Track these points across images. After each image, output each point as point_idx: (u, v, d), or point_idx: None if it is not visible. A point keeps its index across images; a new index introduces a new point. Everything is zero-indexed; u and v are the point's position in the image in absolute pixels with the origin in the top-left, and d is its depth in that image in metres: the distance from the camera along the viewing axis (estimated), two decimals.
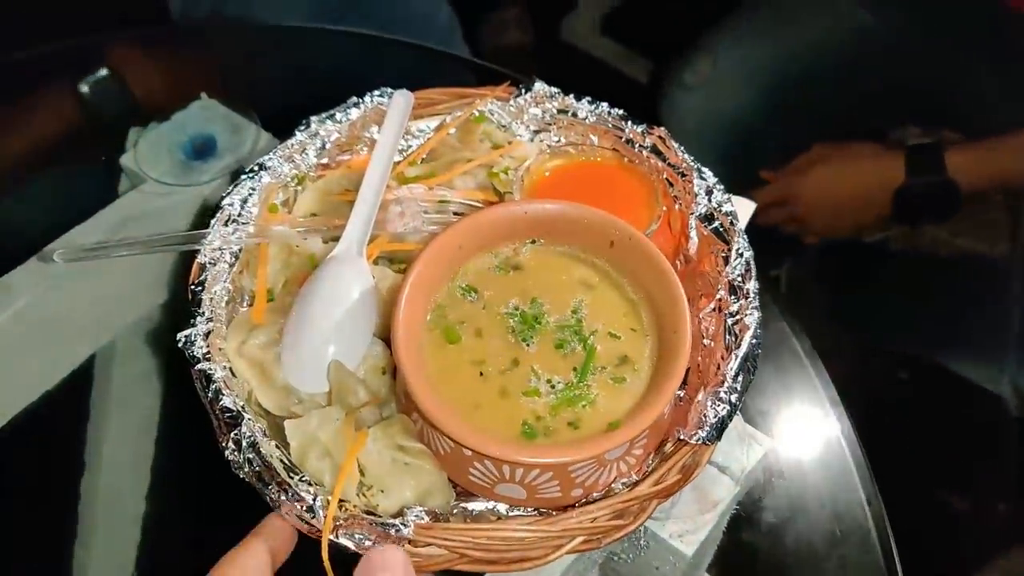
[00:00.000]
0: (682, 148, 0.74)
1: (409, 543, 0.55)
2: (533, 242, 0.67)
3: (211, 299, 0.66)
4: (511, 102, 0.80)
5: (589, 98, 0.78)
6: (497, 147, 0.78)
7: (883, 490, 0.77)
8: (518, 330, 0.62)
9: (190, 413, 0.60)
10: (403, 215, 0.70)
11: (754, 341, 0.64)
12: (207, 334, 0.64)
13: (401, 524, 0.55)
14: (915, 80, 1.23)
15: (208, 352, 0.63)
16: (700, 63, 1.32)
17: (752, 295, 0.66)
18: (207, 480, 0.72)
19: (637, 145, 0.75)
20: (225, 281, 0.68)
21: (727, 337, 0.64)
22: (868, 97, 1.25)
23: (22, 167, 1.03)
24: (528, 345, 0.62)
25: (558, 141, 0.79)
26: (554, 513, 0.59)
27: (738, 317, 0.65)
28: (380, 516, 0.56)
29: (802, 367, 0.84)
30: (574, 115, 0.78)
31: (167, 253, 0.87)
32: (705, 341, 0.67)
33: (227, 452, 0.58)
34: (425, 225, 0.71)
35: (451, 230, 0.63)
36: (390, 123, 0.76)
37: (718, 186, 0.72)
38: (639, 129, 0.75)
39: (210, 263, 0.68)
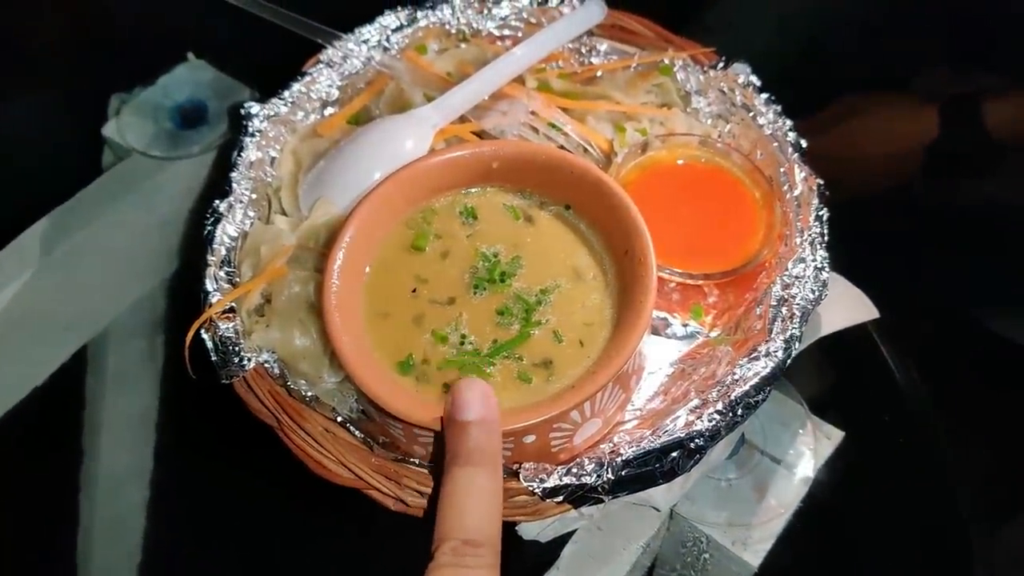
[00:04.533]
0: (822, 210, 0.67)
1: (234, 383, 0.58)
2: (567, 206, 0.62)
3: (302, 93, 0.74)
4: (704, 71, 0.77)
5: (779, 107, 0.74)
6: (663, 106, 0.76)
7: (969, 482, 0.69)
8: (479, 275, 0.60)
9: (190, 395, 0.61)
10: (505, 116, 0.70)
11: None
12: (273, 116, 0.71)
13: (247, 360, 0.58)
14: (951, 23, 1.13)
15: (263, 129, 0.70)
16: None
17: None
18: (210, 462, 0.70)
19: (787, 184, 0.70)
20: (329, 86, 0.75)
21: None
22: (900, 43, 1.15)
23: None
24: (475, 294, 0.59)
25: (726, 135, 0.76)
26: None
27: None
28: (247, 345, 0.59)
29: (873, 349, 0.75)
30: (754, 118, 0.74)
31: (162, 234, 0.85)
32: None
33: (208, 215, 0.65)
34: (517, 132, 0.70)
35: (475, 147, 0.63)
36: (564, 24, 0.76)
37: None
38: (799, 174, 0.70)
39: (333, 63, 0.75)
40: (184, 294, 0.82)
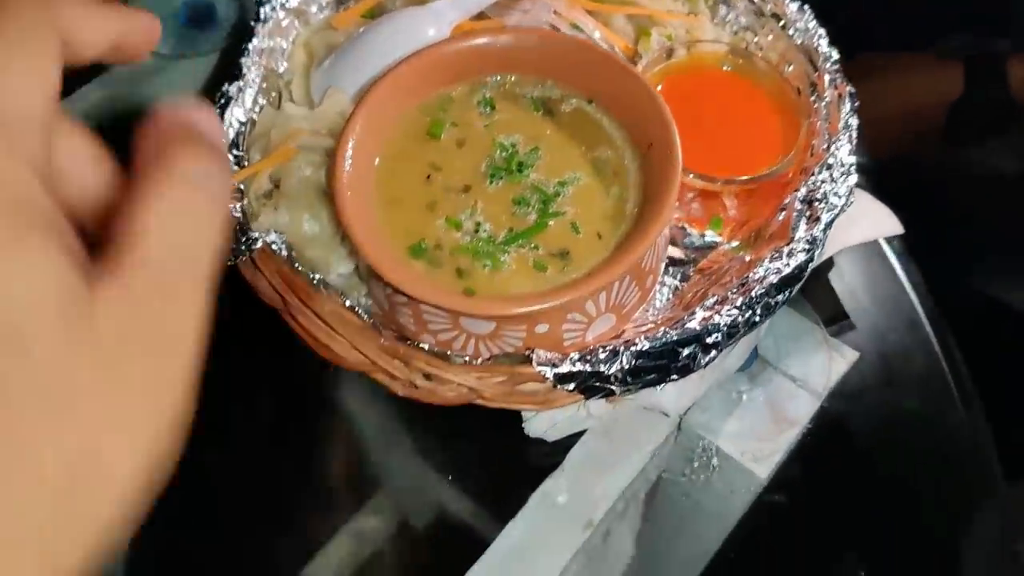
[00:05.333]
0: (852, 117, 0.66)
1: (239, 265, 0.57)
2: (589, 100, 0.61)
3: None
4: None
5: (811, 16, 0.71)
6: (691, 14, 0.73)
7: (988, 409, 0.68)
8: (496, 164, 0.58)
9: None
10: (526, 14, 0.67)
11: None
12: (286, 5, 0.68)
13: (255, 239, 0.56)
14: None
15: (276, 19, 0.67)
16: None
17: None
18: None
19: (815, 95, 0.68)
20: None
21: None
22: (921, 5, 1.13)
23: None
24: (490, 183, 0.57)
25: (753, 46, 0.73)
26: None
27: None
28: (254, 226, 0.57)
29: (891, 272, 0.74)
30: (784, 28, 0.71)
31: None
32: None
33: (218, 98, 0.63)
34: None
35: (495, 35, 0.61)
36: None
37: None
38: (828, 77, 0.68)
39: None
40: None
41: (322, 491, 0.63)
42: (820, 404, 0.65)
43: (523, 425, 0.61)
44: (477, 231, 0.55)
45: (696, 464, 0.63)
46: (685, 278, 0.64)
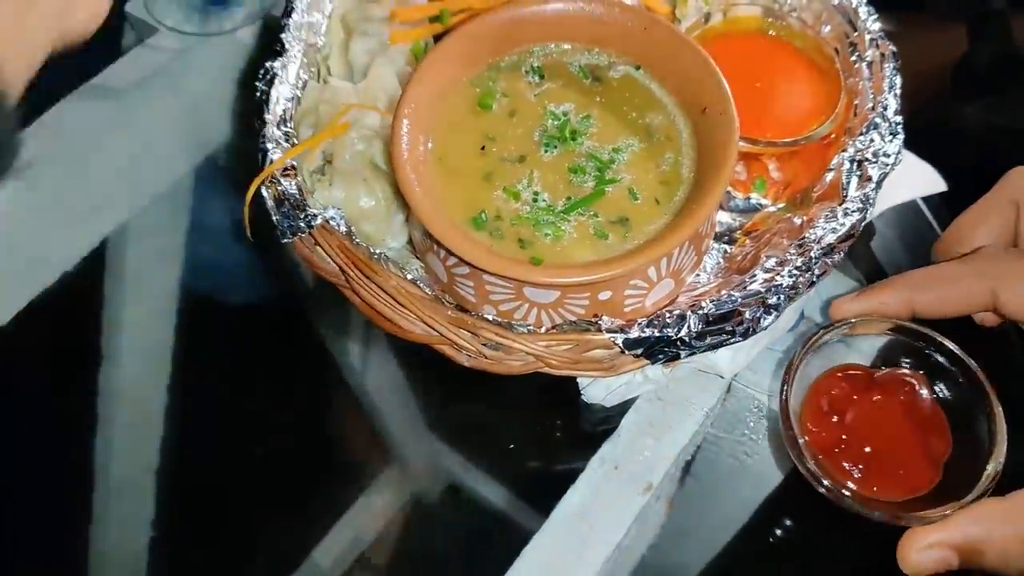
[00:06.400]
0: (895, 76, 0.66)
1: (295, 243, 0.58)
2: (637, 66, 0.62)
3: None
4: None
5: None
6: None
7: None
8: (549, 133, 0.59)
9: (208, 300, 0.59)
10: None
11: None
12: None
13: (314, 215, 0.56)
14: None
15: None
16: None
17: None
18: (230, 367, 0.68)
19: (856, 55, 0.68)
20: None
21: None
22: None
23: None
24: (545, 152, 0.58)
25: (787, 7, 0.73)
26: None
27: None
28: (309, 205, 0.57)
29: (928, 227, 0.75)
30: None
31: (192, 118, 0.82)
32: None
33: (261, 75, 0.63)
34: None
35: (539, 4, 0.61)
36: None
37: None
38: (869, 37, 0.68)
39: None
40: (218, 178, 0.81)
41: (378, 462, 0.64)
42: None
43: (581, 392, 0.62)
44: (536, 201, 0.56)
45: (749, 424, 0.64)
46: (731, 241, 0.65)
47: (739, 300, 0.54)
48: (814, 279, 0.56)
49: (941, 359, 0.61)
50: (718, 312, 0.53)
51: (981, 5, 1.08)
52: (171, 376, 0.68)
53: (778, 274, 0.55)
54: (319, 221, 0.56)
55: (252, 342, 0.68)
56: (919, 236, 0.74)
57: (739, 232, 0.66)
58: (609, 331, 0.52)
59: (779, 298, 0.54)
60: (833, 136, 0.67)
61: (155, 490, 0.62)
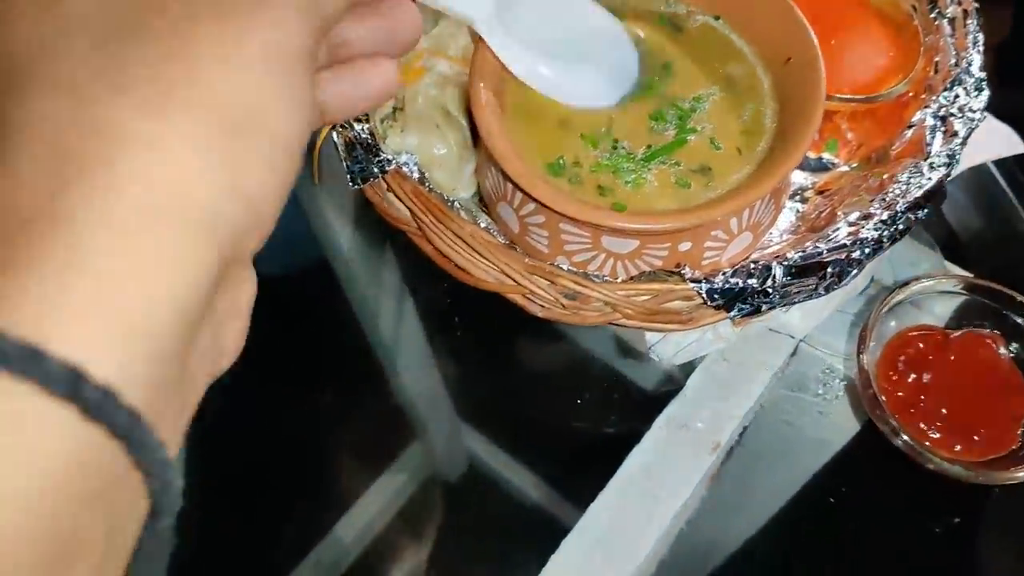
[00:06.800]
0: (978, 32, 0.64)
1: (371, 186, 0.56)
2: (716, 16, 0.61)
3: None
4: None
5: None
6: None
7: None
8: None
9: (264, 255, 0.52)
10: None
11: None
12: None
13: (387, 160, 0.54)
14: None
15: None
16: None
17: None
18: (286, 325, 0.65)
19: (936, 10, 0.67)
20: None
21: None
22: None
23: None
24: (623, 99, 0.57)
25: None
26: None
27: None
28: (383, 150, 0.55)
29: (1000, 190, 0.73)
30: None
31: None
32: None
33: None
34: None
35: None
36: None
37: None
38: None
39: None
40: None
41: (440, 414, 0.63)
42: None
43: (649, 349, 0.61)
44: (615, 148, 0.55)
45: (821, 384, 0.63)
46: (804, 200, 0.64)
47: (824, 251, 0.53)
48: (898, 235, 0.55)
49: (1018, 319, 0.60)
50: (802, 263, 0.52)
51: None
52: None
53: (863, 228, 0.54)
54: (392, 166, 0.55)
55: (309, 297, 0.67)
56: (992, 200, 0.72)
57: (811, 191, 0.64)
58: (692, 280, 0.51)
59: (863, 252, 0.53)
60: (911, 95, 0.65)
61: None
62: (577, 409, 0.62)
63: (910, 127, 0.60)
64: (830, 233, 0.54)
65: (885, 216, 0.54)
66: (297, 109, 0.25)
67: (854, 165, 0.65)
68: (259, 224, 0.24)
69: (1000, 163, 0.72)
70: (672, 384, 0.63)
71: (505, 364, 0.63)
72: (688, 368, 0.63)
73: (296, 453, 0.60)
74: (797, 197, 0.64)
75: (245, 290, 0.28)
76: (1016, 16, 1.02)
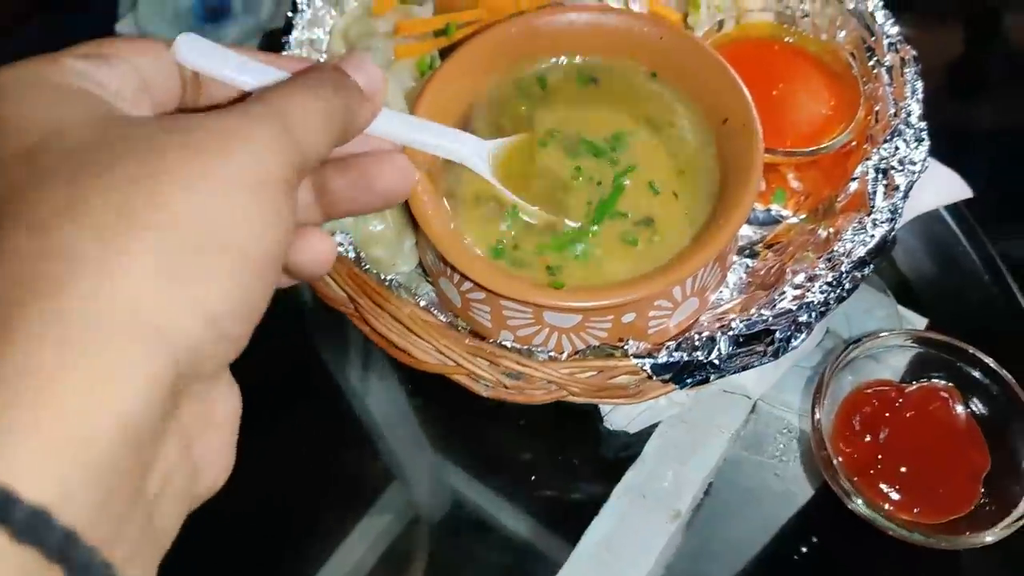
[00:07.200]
0: (917, 80, 0.64)
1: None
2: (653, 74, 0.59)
3: None
4: None
5: None
6: None
7: None
8: (565, 145, 0.57)
9: None
10: None
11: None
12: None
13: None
14: None
15: (316, 9, 0.65)
16: None
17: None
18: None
19: (875, 59, 0.66)
20: None
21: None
22: None
23: None
24: (564, 164, 0.56)
25: (800, 13, 0.71)
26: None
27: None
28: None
29: (956, 236, 0.73)
30: None
31: None
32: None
33: None
34: None
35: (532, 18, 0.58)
36: None
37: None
38: (887, 41, 0.66)
39: None
40: None
41: (394, 497, 0.61)
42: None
43: (604, 420, 0.60)
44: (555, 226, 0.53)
45: (779, 445, 0.62)
46: (754, 255, 0.63)
47: (769, 319, 0.52)
48: (845, 294, 0.54)
49: (973, 372, 0.59)
50: (748, 332, 0.51)
51: (977, 5, 1.07)
52: None
53: (808, 290, 0.53)
54: None
55: (256, 375, 0.65)
56: (944, 243, 0.72)
57: (760, 245, 0.64)
58: (636, 356, 0.50)
59: (810, 315, 0.52)
60: (854, 144, 0.65)
61: None
62: (534, 482, 0.60)
63: (854, 179, 0.60)
64: (776, 297, 0.53)
65: (830, 277, 0.53)
66: (268, 230, 0.26)
67: (802, 217, 0.64)
68: (225, 339, 0.25)
69: (950, 207, 0.72)
70: (630, 450, 0.62)
71: (458, 440, 0.62)
72: (647, 433, 0.62)
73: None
74: (747, 252, 0.63)
75: (222, 403, 0.28)
76: (965, 31, 1.03)
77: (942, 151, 0.69)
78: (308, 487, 0.60)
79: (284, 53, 0.62)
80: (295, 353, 0.65)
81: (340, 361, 0.63)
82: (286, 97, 0.29)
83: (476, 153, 0.47)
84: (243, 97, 0.34)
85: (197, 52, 0.33)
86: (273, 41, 0.71)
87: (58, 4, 0.88)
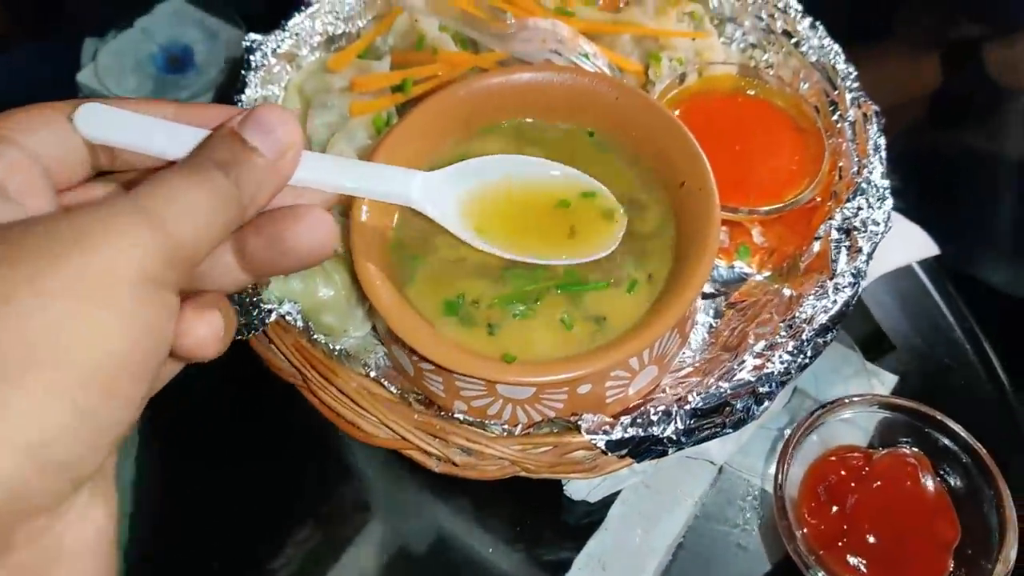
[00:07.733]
0: (880, 137, 0.63)
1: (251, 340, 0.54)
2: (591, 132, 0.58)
3: (305, 27, 0.67)
4: None
5: (829, 40, 0.68)
6: (697, 35, 0.70)
7: None
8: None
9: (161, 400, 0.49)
10: (527, 43, 0.64)
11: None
12: (277, 50, 0.65)
13: (268, 311, 0.51)
14: None
15: (266, 65, 0.64)
16: None
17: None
18: (181, 476, 0.63)
19: (838, 114, 0.66)
20: (335, 18, 0.69)
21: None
22: None
23: None
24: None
25: (764, 64, 0.72)
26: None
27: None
28: (263, 299, 0.53)
29: (921, 287, 0.72)
30: (796, 44, 0.69)
31: None
32: None
33: None
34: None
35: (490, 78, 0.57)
36: None
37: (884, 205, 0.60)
38: (850, 96, 0.66)
39: None
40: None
41: (352, 570, 0.59)
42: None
43: (564, 489, 0.58)
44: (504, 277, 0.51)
45: (739, 510, 0.60)
46: (718, 314, 0.62)
47: (728, 392, 0.50)
48: (807, 361, 0.52)
49: (942, 439, 0.57)
50: (706, 406, 0.49)
51: (952, 33, 1.07)
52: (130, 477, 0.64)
53: (768, 360, 0.51)
54: (273, 317, 0.52)
55: (206, 447, 0.63)
56: (915, 300, 0.70)
57: (725, 304, 0.62)
58: (589, 432, 0.48)
59: (771, 386, 0.51)
60: (818, 199, 0.64)
61: None
62: (492, 555, 0.58)
63: (817, 239, 0.59)
64: (735, 368, 0.52)
65: (791, 346, 0.52)
66: (121, 337, 0.24)
67: (767, 274, 0.63)
68: (59, 467, 0.23)
69: (922, 261, 0.71)
70: (593, 516, 0.60)
71: (413, 514, 0.60)
72: (610, 499, 0.60)
73: None
74: (711, 311, 0.62)
75: (77, 530, 0.25)
76: (943, 62, 1.03)
77: (917, 191, 0.68)
78: (258, 559, 0.58)
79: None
80: (245, 423, 0.63)
81: (291, 430, 0.61)
82: (161, 188, 0.27)
83: (414, 187, 0.45)
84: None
85: (99, 123, 0.31)
86: (227, 100, 0.70)
87: (19, 54, 0.87)
